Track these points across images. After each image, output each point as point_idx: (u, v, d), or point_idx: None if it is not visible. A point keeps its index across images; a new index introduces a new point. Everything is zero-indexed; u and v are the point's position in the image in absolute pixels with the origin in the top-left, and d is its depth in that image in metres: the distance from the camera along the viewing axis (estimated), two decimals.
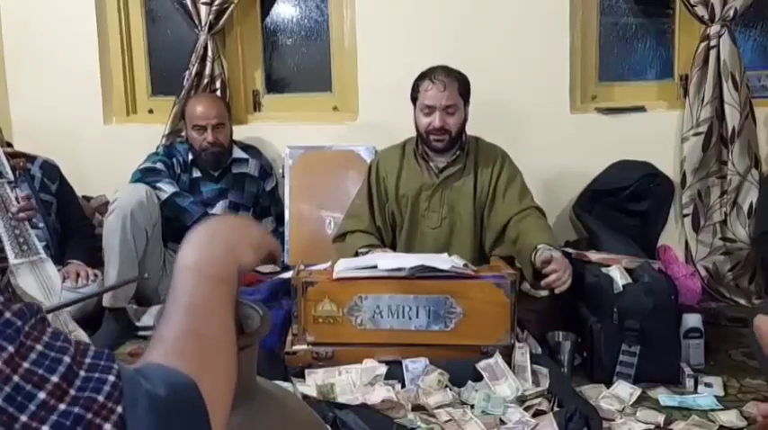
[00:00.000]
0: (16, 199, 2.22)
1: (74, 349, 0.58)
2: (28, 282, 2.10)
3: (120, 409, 0.56)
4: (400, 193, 2.54)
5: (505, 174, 2.49)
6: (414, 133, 2.57)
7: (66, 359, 0.57)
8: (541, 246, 2.24)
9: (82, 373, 0.57)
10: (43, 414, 0.53)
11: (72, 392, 0.55)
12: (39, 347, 0.56)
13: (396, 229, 2.58)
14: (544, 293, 2.54)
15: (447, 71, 2.46)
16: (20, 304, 0.58)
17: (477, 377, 2.03)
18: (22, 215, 2.16)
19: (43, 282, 2.15)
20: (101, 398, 0.56)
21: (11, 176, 2.24)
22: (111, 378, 0.58)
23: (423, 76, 2.47)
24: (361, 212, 2.56)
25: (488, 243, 2.48)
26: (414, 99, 2.50)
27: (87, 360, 0.58)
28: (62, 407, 0.54)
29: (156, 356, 0.63)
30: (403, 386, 2.02)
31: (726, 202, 2.93)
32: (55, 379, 0.55)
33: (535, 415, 1.88)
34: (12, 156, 2.32)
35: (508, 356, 2.07)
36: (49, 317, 2.18)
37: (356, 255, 2.42)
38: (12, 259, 2.10)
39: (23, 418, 0.53)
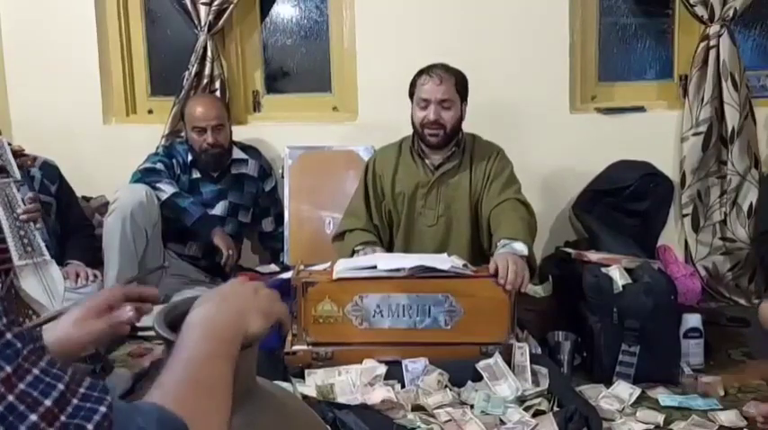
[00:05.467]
0: (22, 200, 2.22)
1: (68, 378, 0.59)
2: (31, 284, 2.10)
3: None
4: (396, 191, 2.54)
5: (496, 168, 2.49)
6: (411, 131, 2.57)
7: (61, 386, 0.58)
8: (499, 244, 2.24)
9: (74, 401, 0.58)
10: None
11: (62, 418, 0.56)
12: (35, 371, 0.57)
13: (393, 228, 2.58)
14: (543, 293, 2.54)
15: (445, 68, 2.47)
16: (21, 328, 0.59)
17: (477, 377, 2.03)
18: (24, 217, 2.16)
19: (47, 284, 2.15)
20: (90, 427, 0.57)
21: (18, 176, 2.24)
22: (103, 409, 0.59)
23: (421, 72, 2.48)
24: (359, 211, 2.57)
25: (485, 240, 2.47)
26: (411, 95, 2.50)
27: (81, 389, 0.59)
28: None
29: (153, 398, 0.65)
30: (403, 386, 2.02)
31: (725, 202, 2.93)
32: (48, 403, 0.56)
33: (535, 415, 1.88)
34: (17, 154, 2.32)
35: (508, 356, 2.07)
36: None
37: (353, 253, 2.43)
38: (16, 260, 2.10)
39: None
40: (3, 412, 0.53)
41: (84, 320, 0.97)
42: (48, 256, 2.18)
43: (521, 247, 2.21)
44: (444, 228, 2.51)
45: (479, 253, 2.47)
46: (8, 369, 0.55)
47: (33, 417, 0.54)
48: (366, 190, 2.58)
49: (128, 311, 0.98)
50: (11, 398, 0.54)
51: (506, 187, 2.44)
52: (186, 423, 0.63)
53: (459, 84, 2.47)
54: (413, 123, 2.51)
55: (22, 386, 0.55)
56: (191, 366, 0.70)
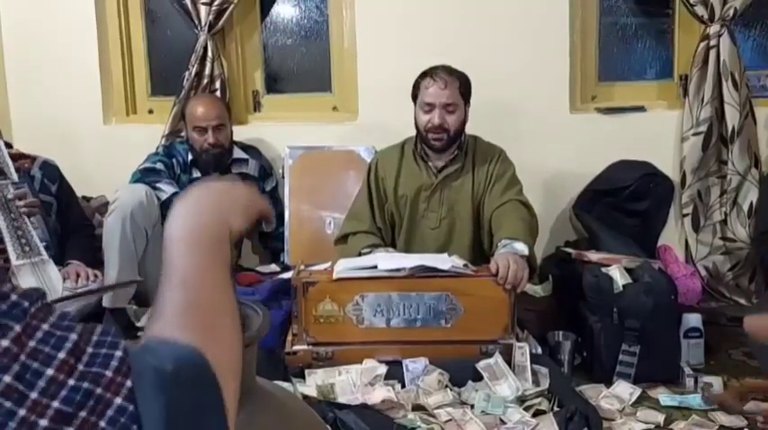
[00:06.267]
0: (19, 198, 2.23)
1: (80, 328, 0.58)
2: (29, 284, 2.10)
3: (129, 383, 0.56)
4: (399, 194, 2.54)
5: (498, 170, 2.49)
6: (413, 133, 2.57)
7: (73, 336, 0.57)
8: (500, 244, 2.25)
9: (89, 350, 0.57)
10: (53, 389, 0.54)
11: (80, 367, 0.56)
12: (45, 327, 0.57)
13: (395, 230, 2.58)
14: (543, 293, 2.54)
15: (449, 70, 2.46)
16: (26, 288, 0.59)
17: (477, 377, 2.03)
18: (25, 210, 2.16)
19: (44, 283, 2.15)
20: (109, 373, 0.56)
21: (15, 177, 2.25)
22: (119, 353, 0.58)
23: (424, 74, 2.47)
24: (362, 213, 2.56)
25: (486, 242, 2.47)
26: (414, 97, 2.50)
27: (94, 337, 0.59)
28: (71, 382, 0.55)
29: (158, 331, 0.62)
30: (403, 386, 2.02)
31: (726, 202, 2.93)
32: (62, 355, 0.55)
33: (535, 415, 1.88)
34: (15, 157, 2.33)
35: (508, 356, 2.07)
36: None
37: (359, 256, 2.42)
38: (14, 260, 2.10)
39: (33, 395, 0.53)
40: (19, 371, 0.53)
41: None
42: (45, 256, 2.18)
43: (521, 247, 2.21)
44: (447, 231, 2.51)
45: (480, 254, 2.47)
46: (17, 328, 0.55)
47: (50, 371, 0.54)
48: (369, 192, 2.58)
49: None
50: (23, 357, 0.54)
51: (508, 189, 2.45)
52: (201, 350, 0.60)
53: (463, 86, 2.46)
54: (416, 126, 2.51)
55: (32, 343, 0.55)
56: (186, 285, 0.66)
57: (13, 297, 0.57)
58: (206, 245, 0.70)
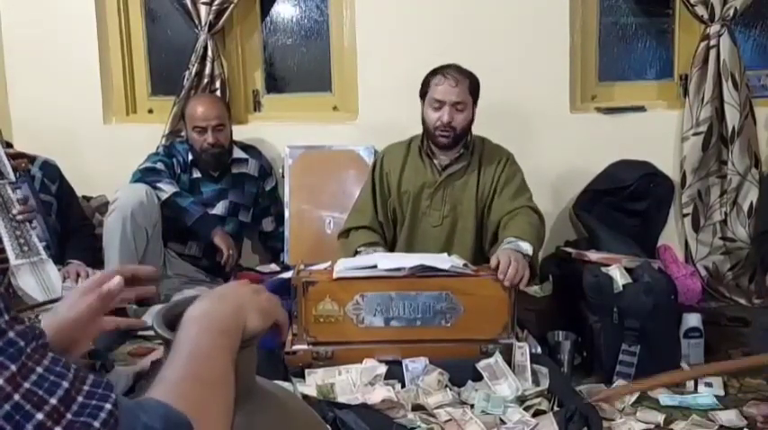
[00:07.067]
0: (18, 200, 2.23)
1: (72, 375, 0.59)
2: (29, 283, 2.10)
3: None
4: (402, 190, 2.54)
5: (506, 173, 2.49)
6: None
7: (65, 384, 0.57)
8: (505, 241, 2.25)
9: (79, 399, 0.58)
10: None
11: (68, 416, 0.56)
12: (39, 370, 0.57)
13: (396, 226, 2.58)
14: (543, 293, 2.54)
15: (459, 69, 2.46)
16: (23, 326, 0.58)
17: (477, 377, 2.03)
18: (21, 217, 2.16)
19: (44, 282, 2.15)
20: (96, 424, 0.57)
21: (12, 177, 2.25)
22: (108, 406, 0.59)
23: (435, 72, 2.47)
24: (365, 207, 2.57)
25: (487, 243, 2.48)
26: (423, 94, 2.49)
27: (85, 387, 0.59)
28: None
29: (156, 394, 0.65)
30: (403, 386, 2.02)
31: (726, 202, 2.93)
32: (53, 401, 0.56)
33: (535, 414, 1.88)
34: (13, 157, 2.32)
35: (508, 356, 2.07)
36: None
37: (355, 253, 2.43)
38: (12, 260, 2.10)
39: None
40: (9, 411, 0.53)
41: (77, 300, 0.95)
42: (44, 255, 2.18)
43: (525, 247, 2.21)
44: (449, 229, 2.51)
45: (481, 255, 2.47)
46: (13, 367, 0.55)
47: (40, 416, 0.54)
48: (373, 186, 2.58)
49: (116, 282, 0.96)
50: (17, 397, 0.54)
51: (519, 195, 2.45)
52: (190, 419, 0.63)
53: (472, 86, 2.47)
54: (423, 123, 2.51)
55: (27, 385, 0.55)
56: (192, 361, 0.71)
57: (11, 334, 0.57)
58: (219, 331, 0.76)
